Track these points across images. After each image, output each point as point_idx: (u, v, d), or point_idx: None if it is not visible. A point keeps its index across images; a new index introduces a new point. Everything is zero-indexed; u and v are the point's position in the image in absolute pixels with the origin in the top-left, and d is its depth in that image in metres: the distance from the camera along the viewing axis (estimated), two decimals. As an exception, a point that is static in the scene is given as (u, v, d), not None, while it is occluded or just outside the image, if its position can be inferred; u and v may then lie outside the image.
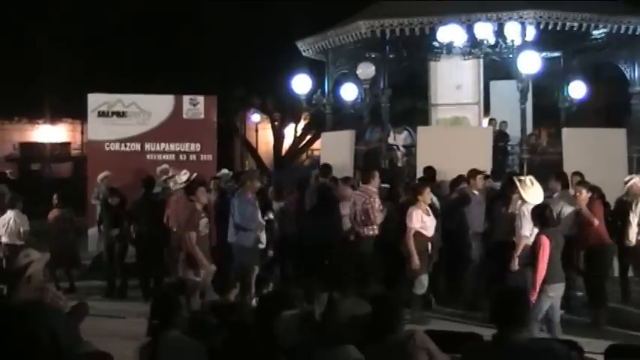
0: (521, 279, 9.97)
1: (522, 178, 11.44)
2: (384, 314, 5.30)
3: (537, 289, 9.14)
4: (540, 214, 9.68)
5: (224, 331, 5.80)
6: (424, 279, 11.45)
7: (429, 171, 13.89)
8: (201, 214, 10.86)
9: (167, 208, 13.57)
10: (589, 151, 14.71)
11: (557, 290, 9.41)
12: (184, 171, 14.13)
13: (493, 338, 5.00)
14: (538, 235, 9.64)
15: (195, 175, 14.10)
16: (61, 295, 6.40)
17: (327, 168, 14.66)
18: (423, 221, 11.39)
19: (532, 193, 10.90)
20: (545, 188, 11.42)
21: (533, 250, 9.52)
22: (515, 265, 10.56)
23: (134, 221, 13.98)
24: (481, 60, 17.49)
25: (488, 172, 13.72)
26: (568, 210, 11.56)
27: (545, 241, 9.33)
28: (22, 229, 14.04)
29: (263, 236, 11.89)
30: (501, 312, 5.01)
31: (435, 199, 12.40)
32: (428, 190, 11.72)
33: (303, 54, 19.25)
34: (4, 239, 14.08)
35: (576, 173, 12.84)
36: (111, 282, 13.92)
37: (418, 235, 11.35)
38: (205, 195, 11.28)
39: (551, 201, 11.55)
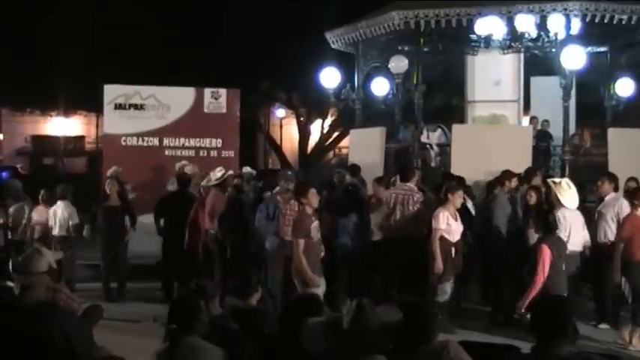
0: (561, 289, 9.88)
1: (557, 180, 11.39)
2: (418, 323, 5.27)
3: (527, 301, 9.13)
4: (544, 219, 9.60)
5: (245, 337, 5.81)
6: (447, 286, 11.39)
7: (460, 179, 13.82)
8: (312, 219, 10.34)
9: (201, 206, 13.58)
10: (636, 152, 14.58)
11: None
12: (219, 168, 14.13)
13: (532, 351, 4.97)
14: (538, 242, 9.58)
15: (230, 172, 14.16)
16: (75, 297, 6.42)
17: (356, 167, 14.66)
18: (448, 224, 11.32)
19: (569, 196, 10.84)
20: (590, 192, 11.33)
21: (534, 257, 9.48)
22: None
23: (135, 218, 14.34)
24: (521, 54, 17.39)
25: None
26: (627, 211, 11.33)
27: (546, 251, 9.27)
28: (71, 222, 14.10)
29: None
30: (542, 322, 4.98)
31: (470, 204, 12.34)
32: (460, 192, 11.64)
33: (332, 46, 19.23)
34: (55, 231, 14.14)
35: (632, 179, 12.66)
36: (107, 284, 13.97)
37: (441, 238, 11.31)
38: (317, 197, 10.70)
39: (607, 204, 11.45)
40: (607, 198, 11.90)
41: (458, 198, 11.51)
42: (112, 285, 14.00)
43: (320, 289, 9.81)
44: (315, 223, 10.37)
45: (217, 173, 13.71)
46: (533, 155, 15.22)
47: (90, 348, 5.60)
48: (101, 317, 6.45)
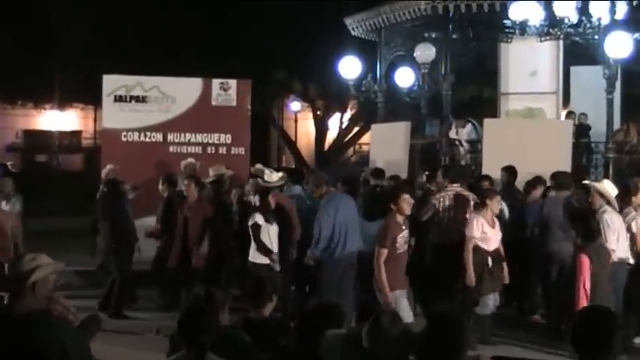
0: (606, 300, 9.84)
1: (591, 183, 11.33)
2: (444, 335, 5.26)
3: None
4: (586, 225, 9.54)
5: (258, 350, 5.81)
6: (489, 299, 11.35)
7: (509, 171, 13.74)
8: (401, 227, 10.31)
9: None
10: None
11: None
12: (217, 166, 14.12)
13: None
14: (577, 252, 9.52)
15: (230, 173, 14.17)
16: (71, 307, 6.45)
17: (379, 172, 14.58)
18: (483, 231, 11.27)
19: (613, 198, 10.78)
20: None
21: (574, 269, 9.42)
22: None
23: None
24: (560, 42, 17.36)
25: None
26: None
27: (585, 262, 9.21)
28: None
29: None
30: (582, 337, 4.96)
31: (504, 206, 12.30)
32: (499, 197, 11.63)
33: (352, 33, 19.24)
34: None
35: None
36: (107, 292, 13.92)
37: (476, 247, 11.27)
38: (409, 203, 10.52)
39: None
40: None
41: (496, 203, 11.47)
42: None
43: (404, 310, 9.79)
44: (404, 233, 10.39)
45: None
46: (574, 153, 15.17)
47: (88, 362, 5.63)
48: (100, 328, 6.46)
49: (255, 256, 11.73)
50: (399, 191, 10.59)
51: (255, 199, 12.42)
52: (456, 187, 12.46)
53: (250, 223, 11.72)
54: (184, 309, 6.21)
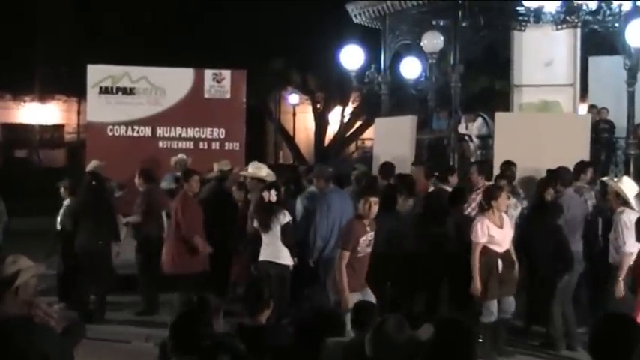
0: (625, 308, 9.86)
1: (609, 182, 11.32)
2: (454, 343, 5.27)
3: None
4: None
5: (254, 358, 5.82)
6: (492, 305, 11.33)
7: (507, 169, 13.74)
8: (366, 229, 10.41)
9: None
10: None
11: None
12: (225, 161, 14.12)
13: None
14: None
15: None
16: (53, 313, 6.45)
17: (388, 166, 14.56)
18: (490, 234, 11.23)
19: (633, 196, 10.77)
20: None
21: (635, 272, 9.43)
22: (620, 290, 10.45)
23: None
24: (578, 30, 17.34)
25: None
26: None
27: None
28: None
29: None
30: (602, 346, 4.96)
31: (513, 203, 12.29)
32: (505, 195, 11.56)
33: (355, 20, 19.25)
34: None
35: None
36: (86, 294, 13.86)
37: (485, 250, 11.25)
38: (506, 200, 10.98)
39: None
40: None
41: (502, 202, 11.40)
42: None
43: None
44: (368, 236, 10.44)
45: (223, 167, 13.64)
46: (592, 149, 15.16)
47: (71, 371, 5.64)
48: (84, 335, 6.48)
49: (279, 257, 11.77)
50: (366, 194, 10.65)
51: (270, 195, 12.32)
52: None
53: (285, 221, 11.76)
54: (176, 315, 6.24)
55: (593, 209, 12.62)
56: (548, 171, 12.81)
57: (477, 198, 12.25)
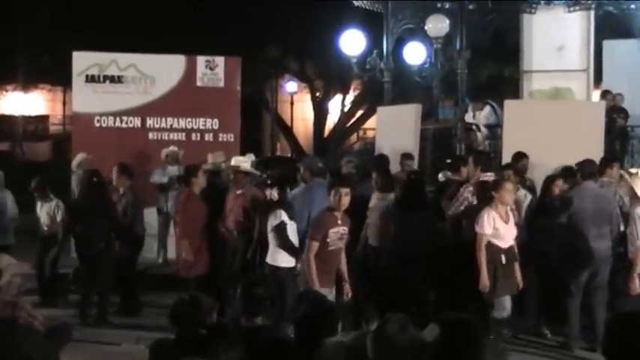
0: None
1: (633, 171, 11.33)
2: (462, 343, 5.28)
3: None
4: None
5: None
6: (505, 300, 11.36)
7: (518, 159, 13.74)
8: (337, 222, 10.50)
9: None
10: None
11: None
12: (220, 152, 14.18)
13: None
14: None
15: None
16: (37, 315, 6.47)
17: (383, 159, 14.58)
18: (495, 227, 11.23)
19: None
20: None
21: None
22: (636, 286, 10.47)
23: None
24: (592, 12, 17.35)
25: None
26: None
27: None
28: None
29: None
30: (615, 346, 4.98)
31: (523, 194, 12.31)
32: (509, 186, 11.51)
33: (355, 3, 19.27)
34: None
35: None
36: (87, 298, 13.89)
37: (489, 244, 11.26)
38: (511, 193, 11.12)
39: None
40: None
41: (506, 194, 11.36)
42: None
43: None
44: (339, 229, 10.54)
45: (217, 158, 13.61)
46: (607, 138, 15.16)
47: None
48: (70, 338, 6.50)
49: (276, 259, 11.63)
50: (336, 185, 10.76)
51: (272, 193, 12.31)
52: (489, 177, 12.37)
53: (275, 222, 11.58)
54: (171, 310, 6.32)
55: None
56: (565, 166, 12.81)
57: (464, 192, 12.19)
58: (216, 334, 6.18)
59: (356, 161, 15.28)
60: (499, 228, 11.18)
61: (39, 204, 14.63)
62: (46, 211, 14.51)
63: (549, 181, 12.33)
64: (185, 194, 13.09)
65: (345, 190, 10.44)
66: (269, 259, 11.67)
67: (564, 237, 11.73)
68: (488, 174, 12.29)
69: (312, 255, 10.34)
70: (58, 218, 14.43)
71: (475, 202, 12.04)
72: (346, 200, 10.42)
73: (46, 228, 14.53)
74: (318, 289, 9.93)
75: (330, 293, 10.17)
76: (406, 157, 14.80)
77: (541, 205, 12.29)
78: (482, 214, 11.22)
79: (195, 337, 6.24)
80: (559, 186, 12.20)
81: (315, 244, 10.36)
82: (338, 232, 10.49)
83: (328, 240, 10.40)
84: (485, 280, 11.10)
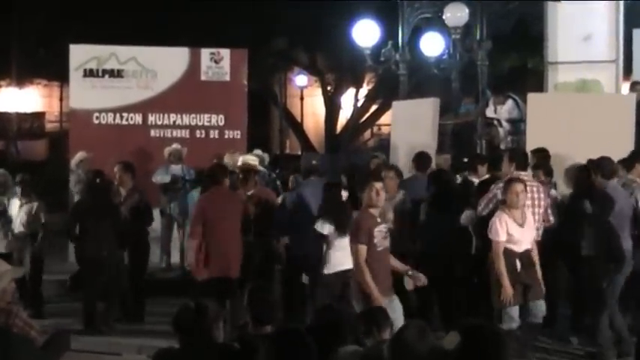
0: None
1: None
2: (483, 352, 5.27)
3: None
4: None
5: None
6: (513, 311, 11.26)
7: (539, 155, 13.68)
8: (377, 219, 10.28)
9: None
10: None
11: None
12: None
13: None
14: None
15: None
16: (33, 323, 6.47)
17: (424, 158, 14.50)
18: (509, 233, 11.14)
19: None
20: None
21: None
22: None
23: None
24: (621, 0, 17.30)
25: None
26: None
27: None
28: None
29: None
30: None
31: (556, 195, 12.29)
32: (521, 187, 11.38)
33: (369, -8, 19.29)
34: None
35: None
36: (90, 305, 13.87)
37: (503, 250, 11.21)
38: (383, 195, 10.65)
39: None
40: None
41: (514, 197, 11.22)
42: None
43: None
44: (381, 227, 10.39)
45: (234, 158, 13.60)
46: (637, 132, 15.12)
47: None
48: (68, 348, 6.50)
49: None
50: (369, 180, 10.56)
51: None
52: (524, 176, 12.15)
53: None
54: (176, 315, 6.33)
55: None
56: (589, 161, 12.77)
57: (494, 188, 12.00)
58: (248, 349, 6.20)
59: (382, 156, 15.22)
60: (513, 233, 11.03)
61: (17, 202, 14.47)
62: (26, 210, 14.42)
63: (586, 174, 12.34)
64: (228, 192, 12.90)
65: (379, 185, 10.30)
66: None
67: (604, 238, 11.73)
68: (523, 173, 12.20)
69: (362, 261, 10.02)
70: (42, 220, 14.37)
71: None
72: (383, 195, 10.30)
73: (23, 229, 14.39)
74: (379, 295, 9.80)
75: (389, 304, 9.86)
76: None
77: (578, 202, 12.28)
78: (494, 219, 11.08)
79: (225, 351, 6.28)
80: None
81: (364, 248, 10.05)
82: (382, 231, 10.27)
83: (375, 241, 10.13)
84: (508, 289, 10.98)
